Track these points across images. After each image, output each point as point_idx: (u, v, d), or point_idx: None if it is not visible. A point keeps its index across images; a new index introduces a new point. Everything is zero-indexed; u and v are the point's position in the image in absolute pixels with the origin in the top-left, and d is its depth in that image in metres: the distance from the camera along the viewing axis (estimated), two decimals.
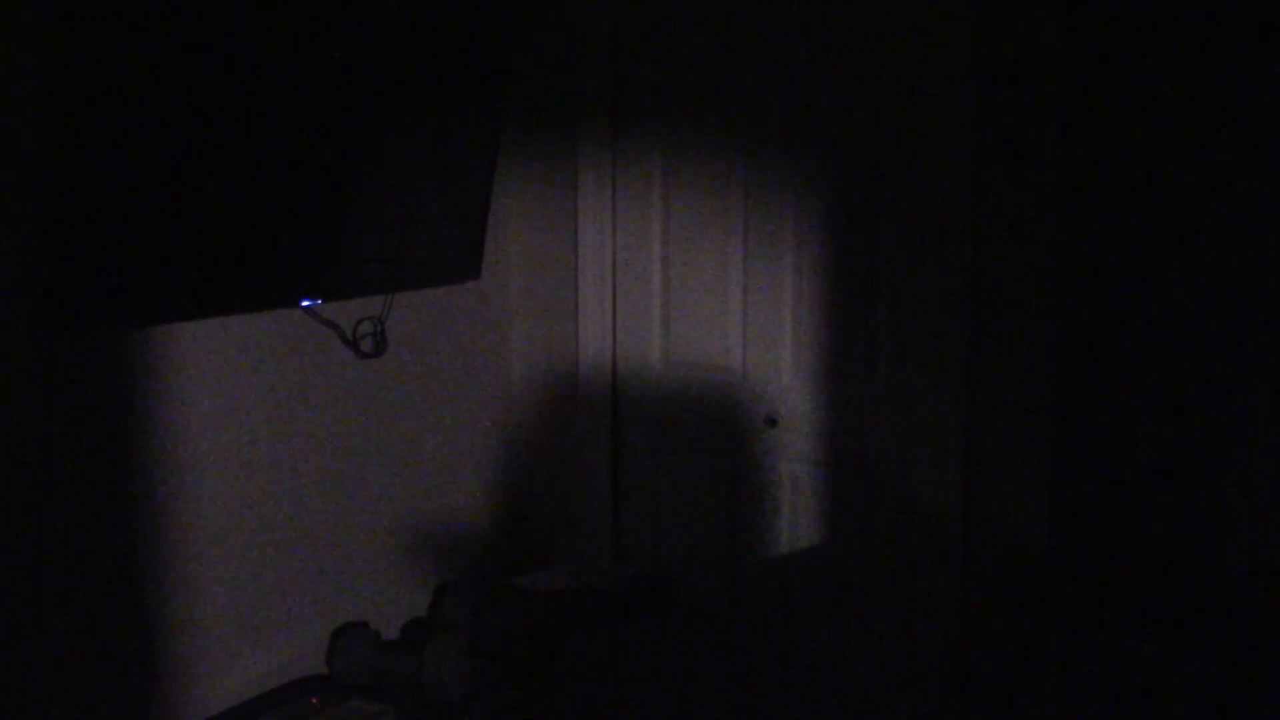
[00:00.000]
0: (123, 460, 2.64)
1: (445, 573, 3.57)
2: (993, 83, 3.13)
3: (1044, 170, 3.12)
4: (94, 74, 2.25)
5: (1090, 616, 3.20)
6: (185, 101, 2.41)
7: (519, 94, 3.64)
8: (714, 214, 3.55)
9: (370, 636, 3.13)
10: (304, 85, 2.67)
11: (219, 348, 2.84)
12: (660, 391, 3.68)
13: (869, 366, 3.37)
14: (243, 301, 2.72)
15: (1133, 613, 3.15)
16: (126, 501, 2.66)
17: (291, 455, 3.04)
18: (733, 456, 3.58)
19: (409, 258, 3.17)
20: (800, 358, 3.47)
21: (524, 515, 3.82)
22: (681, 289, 3.62)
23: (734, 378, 3.57)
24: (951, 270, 3.21)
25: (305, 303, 2.85)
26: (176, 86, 2.39)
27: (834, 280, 3.40)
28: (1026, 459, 3.18)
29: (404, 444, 3.40)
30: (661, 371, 3.68)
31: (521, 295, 3.77)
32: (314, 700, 2.95)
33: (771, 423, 3.51)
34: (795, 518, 3.50)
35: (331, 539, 3.18)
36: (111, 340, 2.59)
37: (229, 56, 2.48)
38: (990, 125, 3.15)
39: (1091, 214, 3.15)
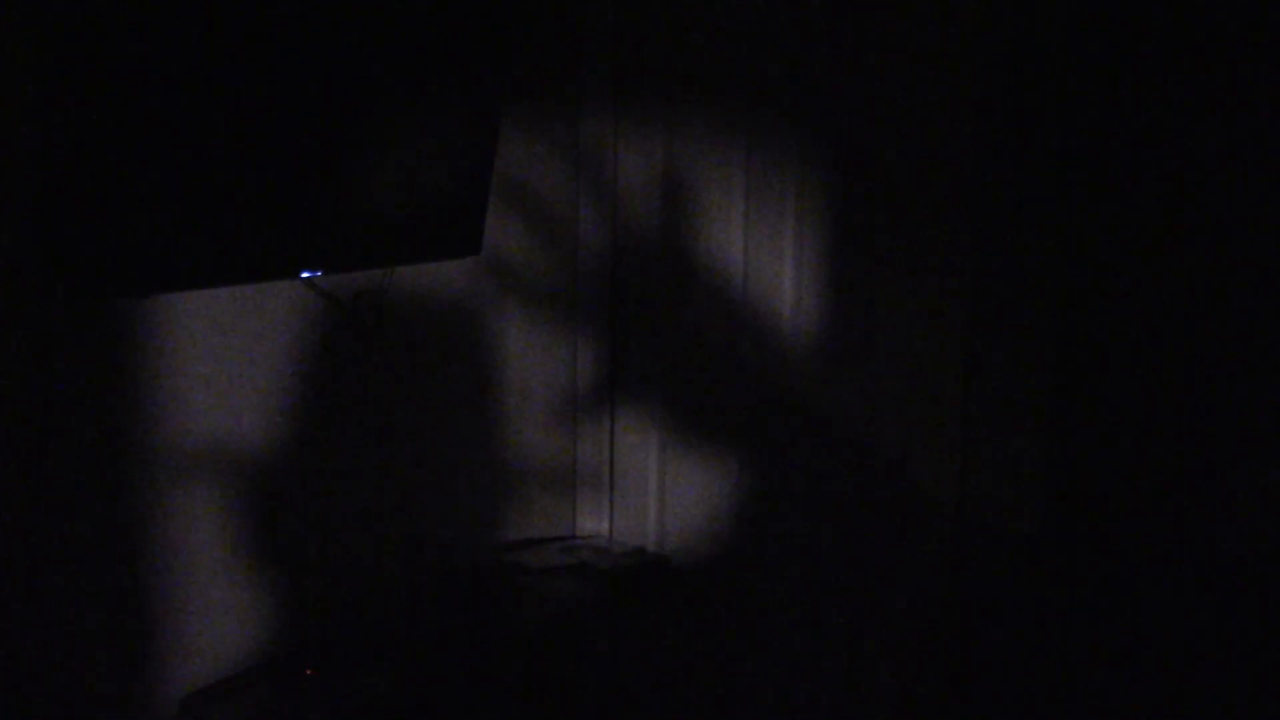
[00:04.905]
0: (117, 430, 2.63)
1: (441, 545, 3.57)
2: (998, 74, 3.12)
3: (1047, 156, 3.12)
4: (89, 39, 2.24)
5: (1085, 604, 3.20)
6: (184, 70, 2.39)
7: (522, 67, 3.62)
8: (715, 194, 3.54)
9: (366, 608, 3.13)
10: (307, 55, 2.65)
11: (217, 318, 2.83)
12: (659, 370, 3.67)
13: (868, 351, 3.36)
14: (242, 272, 2.71)
15: (1129, 601, 3.15)
16: (119, 471, 2.66)
17: (288, 427, 3.04)
18: (731, 439, 3.58)
19: (410, 231, 3.15)
20: (799, 342, 3.46)
21: (520, 492, 3.82)
22: (681, 268, 3.61)
23: (733, 362, 3.56)
24: (951, 255, 3.20)
25: (305, 274, 2.84)
26: (174, 53, 2.37)
27: (834, 263, 3.39)
28: (1024, 445, 3.17)
29: (401, 417, 3.39)
30: (660, 350, 3.67)
31: (522, 272, 3.76)
32: (309, 672, 2.96)
33: (768, 406, 3.51)
34: (791, 500, 3.50)
35: (328, 511, 3.17)
36: (108, 310, 2.58)
37: (228, 23, 2.46)
38: (994, 115, 3.14)
39: (1092, 201, 3.14)
